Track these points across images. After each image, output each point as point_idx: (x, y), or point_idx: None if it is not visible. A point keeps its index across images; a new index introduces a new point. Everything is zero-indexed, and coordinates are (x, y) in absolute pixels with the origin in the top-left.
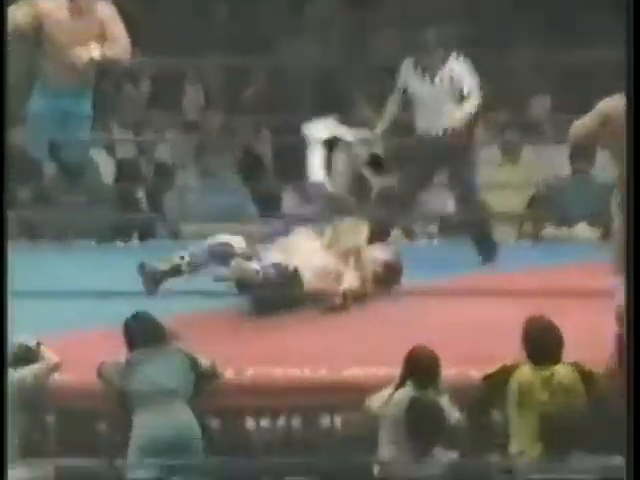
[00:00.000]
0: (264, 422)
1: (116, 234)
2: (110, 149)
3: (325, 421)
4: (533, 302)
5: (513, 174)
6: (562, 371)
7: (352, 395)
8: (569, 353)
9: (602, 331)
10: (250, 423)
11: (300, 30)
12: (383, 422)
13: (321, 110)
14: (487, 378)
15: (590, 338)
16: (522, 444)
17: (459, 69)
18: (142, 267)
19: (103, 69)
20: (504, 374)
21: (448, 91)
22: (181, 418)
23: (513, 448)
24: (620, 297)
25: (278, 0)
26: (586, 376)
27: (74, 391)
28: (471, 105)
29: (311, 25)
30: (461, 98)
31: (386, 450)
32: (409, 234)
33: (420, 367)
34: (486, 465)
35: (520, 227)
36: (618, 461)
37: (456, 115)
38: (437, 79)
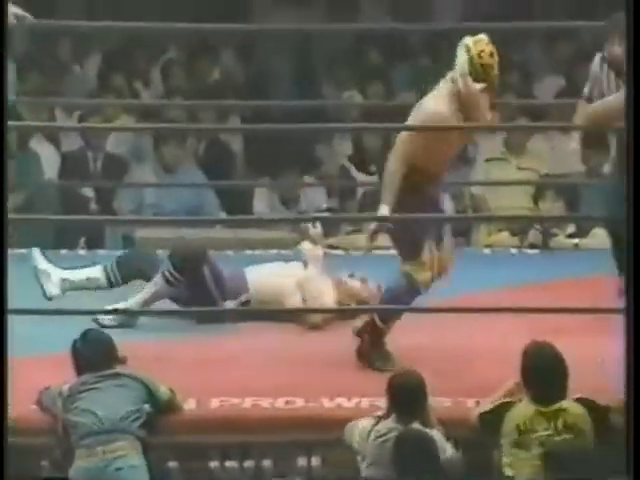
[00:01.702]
0: (230, 462)
1: (59, 241)
2: (53, 139)
3: (301, 461)
4: (539, 323)
5: (517, 170)
6: (568, 408)
7: (332, 430)
8: (580, 384)
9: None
10: (214, 464)
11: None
12: (365, 459)
13: (298, 93)
14: (483, 415)
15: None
16: None
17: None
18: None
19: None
20: (501, 411)
21: None
22: (126, 460)
23: None
24: None
25: None
26: (596, 412)
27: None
28: None
29: None
30: None
31: None
32: None
33: (404, 395)
34: None
35: (525, 233)
36: None
37: None
38: None
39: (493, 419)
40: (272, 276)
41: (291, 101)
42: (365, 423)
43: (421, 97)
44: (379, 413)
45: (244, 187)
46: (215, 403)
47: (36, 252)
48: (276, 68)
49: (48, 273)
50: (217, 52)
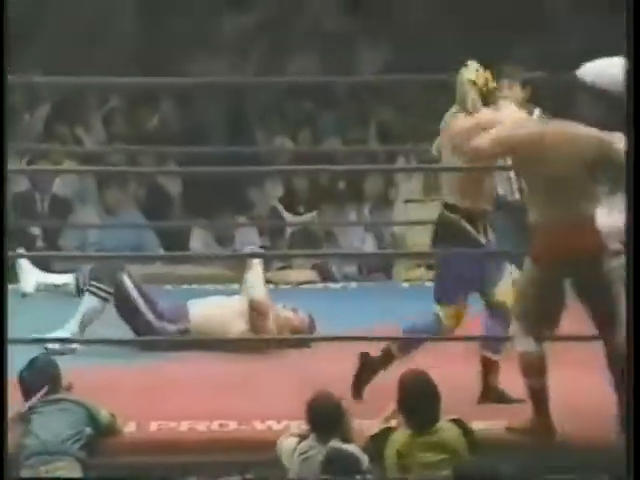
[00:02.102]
0: None
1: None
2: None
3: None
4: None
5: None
6: (444, 430)
7: (263, 451)
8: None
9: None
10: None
11: (212, 53)
12: (292, 475)
13: (232, 139)
14: (371, 438)
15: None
16: None
17: None
18: None
19: None
20: (382, 437)
21: None
22: (69, 477)
23: None
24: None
25: (188, 23)
26: (467, 432)
27: None
28: None
29: (224, 48)
30: None
31: None
32: (325, 275)
33: (320, 415)
34: None
35: None
36: None
37: None
38: None
39: (378, 442)
40: (214, 307)
41: (225, 147)
42: (290, 441)
43: (346, 143)
44: (302, 432)
45: (181, 227)
46: (154, 426)
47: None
48: (211, 116)
49: (28, 271)
50: (156, 101)
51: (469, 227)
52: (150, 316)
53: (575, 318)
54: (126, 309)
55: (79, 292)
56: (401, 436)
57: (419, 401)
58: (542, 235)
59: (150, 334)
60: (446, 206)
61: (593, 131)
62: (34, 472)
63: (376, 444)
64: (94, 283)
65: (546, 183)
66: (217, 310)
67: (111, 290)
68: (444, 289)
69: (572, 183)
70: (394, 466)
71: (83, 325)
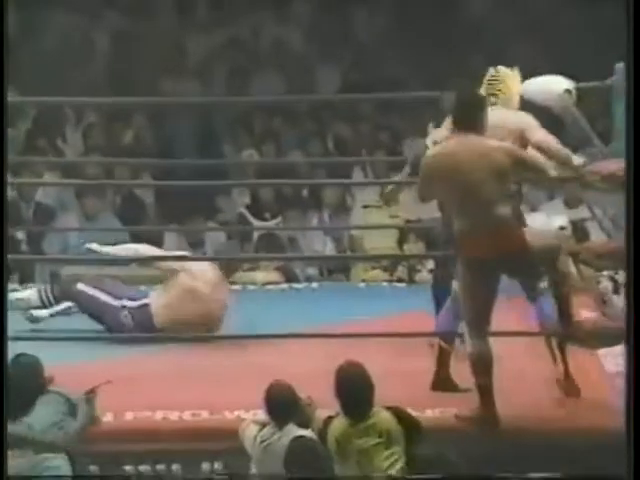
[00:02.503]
0: (143, 467)
1: None
2: None
3: (205, 466)
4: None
5: (389, 216)
6: (379, 416)
7: (233, 439)
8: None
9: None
10: (129, 468)
11: (183, 71)
12: (254, 461)
13: (202, 152)
14: (321, 425)
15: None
16: None
17: None
18: None
19: None
20: (325, 425)
21: None
22: (52, 461)
23: None
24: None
25: (162, 44)
26: (404, 418)
27: None
28: None
29: (193, 68)
30: None
31: None
32: (289, 276)
33: (275, 403)
34: None
35: (394, 270)
36: None
37: None
38: None
39: (322, 432)
40: None
41: (196, 160)
42: (252, 429)
43: (308, 156)
44: (262, 420)
45: (155, 232)
46: (129, 416)
47: None
48: (182, 131)
49: None
50: (130, 117)
51: None
52: (110, 300)
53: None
54: (92, 309)
55: (44, 305)
56: (339, 424)
57: (353, 391)
58: (467, 240)
59: (113, 316)
60: None
61: (501, 143)
62: (22, 454)
63: (323, 428)
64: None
65: (463, 193)
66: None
67: (71, 304)
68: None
69: (486, 190)
70: (335, 453)
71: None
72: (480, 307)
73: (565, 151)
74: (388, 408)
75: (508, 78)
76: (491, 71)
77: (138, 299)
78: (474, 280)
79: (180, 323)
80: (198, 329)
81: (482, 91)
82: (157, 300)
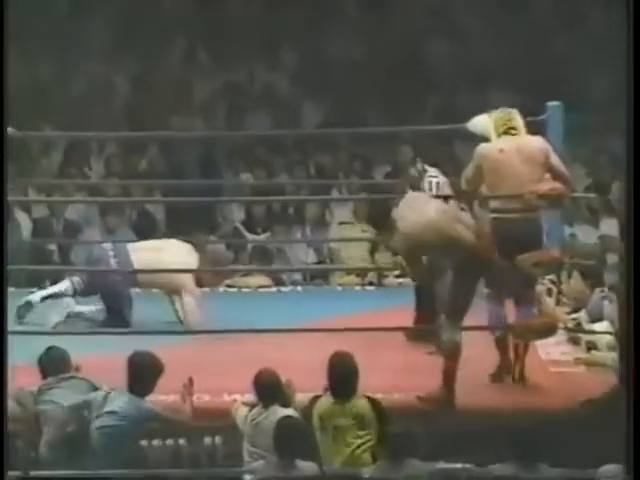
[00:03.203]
0: (155, 442)
1: (31, 282)
2: (26, 210)
3: (207, 440)
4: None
5: (361, 230)
6: (358, 401)
7: (229, 418)
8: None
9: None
10: (144, 442)
11: (188, 110)
12: (246, 438)
13: (205, 175)
14: (306, 405)
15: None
16: (328, 461)
17: None
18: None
19: None
20: (310, 404)
21: None
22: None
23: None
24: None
25: (171, 86)
26: (376, 406)
27: None
28: None
29: (198, 107)
30: None
31: (254, 463)
32: (278, 281)
33: (262, 387)
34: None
35: (366, 276)
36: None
37: None
38: None
39: (308, 408)
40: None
41: (199, 181)
42: (243, 410)
43: (293, 179)
44: (252, 402)
45: None
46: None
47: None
48: (189, 159)
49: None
50: (145, 148)
51: None
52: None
53: None
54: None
55: (75, 292)
56: (324, 403)
57: (342, 373)
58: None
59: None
60: None
61: None
62: (55, 429)
63: (308, 407)
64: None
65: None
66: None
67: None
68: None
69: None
70: (317, 428)
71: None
72: (461, 303)
73: (568, 174)
74: (365, 396)
75: (516, 116)
76: (504, 112)
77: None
78: (461, 279)
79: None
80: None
81: (497, 128)
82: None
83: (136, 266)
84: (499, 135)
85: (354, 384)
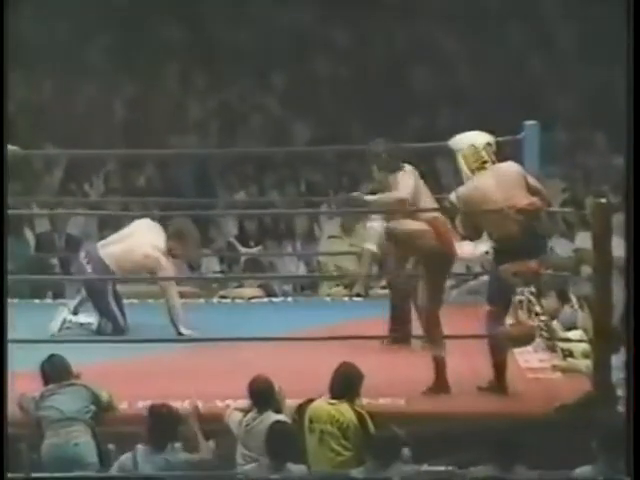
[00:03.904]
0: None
1: (34, 293)
2: (30, 225)
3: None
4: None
5: (349, 244)
6: (346, 413)
7: (222, 423)
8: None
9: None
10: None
11: (183, 130)
12: (240, 442)
13: (199, 192)
14: (297, 407)
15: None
16: (312, 465)
17: None
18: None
19: None
20: (303, 406)
21: None
22: (80, 439)
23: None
24: None
25: (167, 107)
26: (359, 415)
27: None
28: None
29: (193, 126)
30: None
31: (245, 466)
32: (269, 291)
33: (257, 393)
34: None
35: (353, 286)
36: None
37: None
38: None
39: (301, 409)
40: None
41: (194, 198)
42: (237, 415)
43: (284, 196)
44: (245, 407)
45: None
46: (141, 404)
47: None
48: (184, 176)
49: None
50: (143, 165)
51: None
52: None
53: None
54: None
55: (99, 331)
56: (315, 406)
57: (342, 376)
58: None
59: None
60: None
61: None
62: (55, 433)
63: (299, 410)
64: None
65: None
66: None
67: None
68: None
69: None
70: (307, 429)
71: None
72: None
73: (544, 190)
74: (353, 408)
75: (483, 147)
76: (469, 147)
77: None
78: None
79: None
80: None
81: (469, 165)
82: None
83: (107, 261)
84: (473, 172)
85: (353, 393)
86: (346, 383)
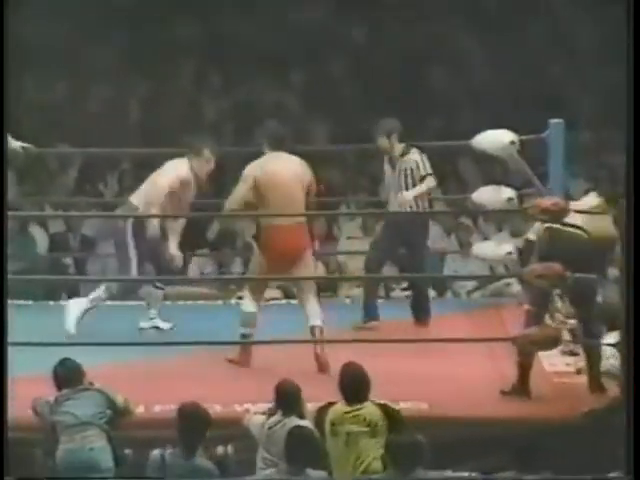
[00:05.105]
0: (168, 450)
1: (48, 295)
2: (43, 225)
3: (220, 449)
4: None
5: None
6: (369, 408)
7: (241, 427)
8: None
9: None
10: (157, 450)
11: (198, 129)
12: (262, 445)
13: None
14: (317, 411)
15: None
16: (336, 469)
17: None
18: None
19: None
20: (323, 410)
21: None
22: (96, 444)
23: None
24: None
25: (182, 105)
26: (389, 414)
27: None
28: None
29: (208, 125)
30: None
31: (265, 470)
32: (288, 293)
33: (284, 397)
34: None
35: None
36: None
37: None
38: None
39: (321, 413)
40: None
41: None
42: (259, 418)
43: None
44: (268, 411)
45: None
46: (157, 408)
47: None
48: None
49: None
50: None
51: None
52: None
53: None
54: None
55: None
56: (336, 409)
57: (352, 378)
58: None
59: None
60: None
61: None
62: (71, 438)
63: (319, 414)
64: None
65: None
66: None
67: None
68: None
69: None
70: (328, 433)
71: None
72: None
73: None
74: (378, 404)
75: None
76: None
77: None
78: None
79: None
80: None
81: None
82: None
83: (135, 202)
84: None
85: (365, 391)
86: (357, 383)
